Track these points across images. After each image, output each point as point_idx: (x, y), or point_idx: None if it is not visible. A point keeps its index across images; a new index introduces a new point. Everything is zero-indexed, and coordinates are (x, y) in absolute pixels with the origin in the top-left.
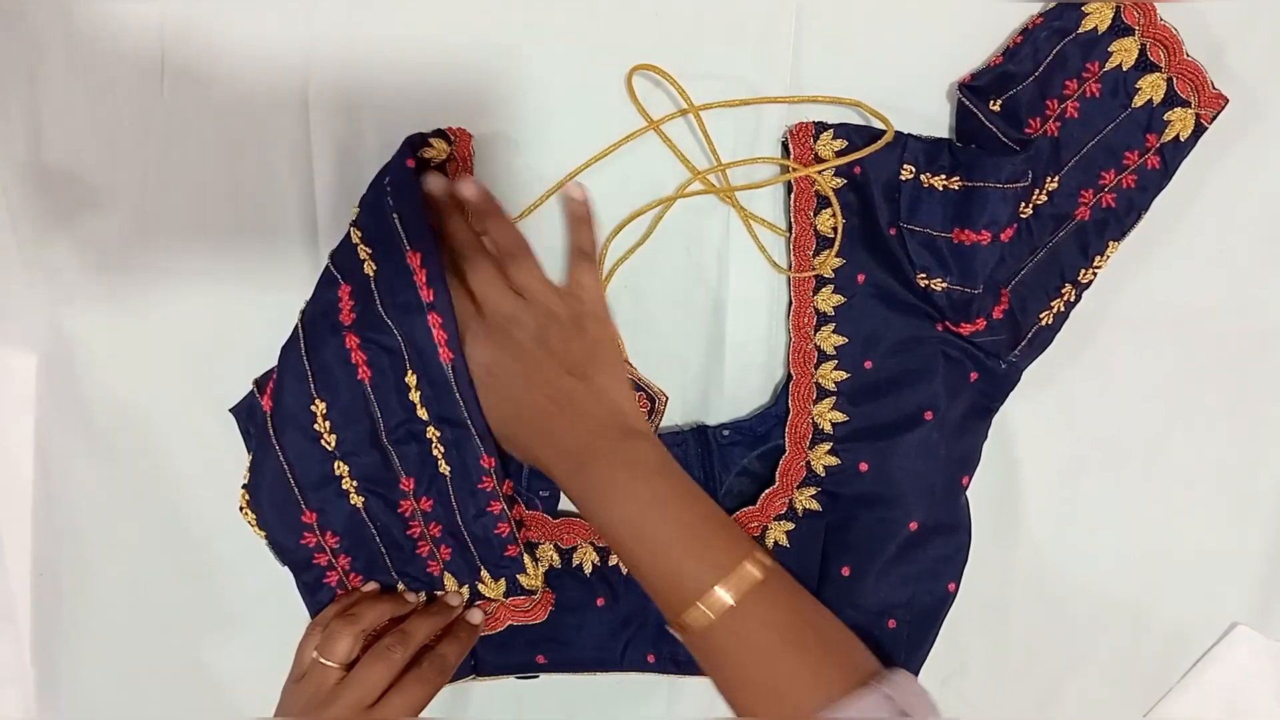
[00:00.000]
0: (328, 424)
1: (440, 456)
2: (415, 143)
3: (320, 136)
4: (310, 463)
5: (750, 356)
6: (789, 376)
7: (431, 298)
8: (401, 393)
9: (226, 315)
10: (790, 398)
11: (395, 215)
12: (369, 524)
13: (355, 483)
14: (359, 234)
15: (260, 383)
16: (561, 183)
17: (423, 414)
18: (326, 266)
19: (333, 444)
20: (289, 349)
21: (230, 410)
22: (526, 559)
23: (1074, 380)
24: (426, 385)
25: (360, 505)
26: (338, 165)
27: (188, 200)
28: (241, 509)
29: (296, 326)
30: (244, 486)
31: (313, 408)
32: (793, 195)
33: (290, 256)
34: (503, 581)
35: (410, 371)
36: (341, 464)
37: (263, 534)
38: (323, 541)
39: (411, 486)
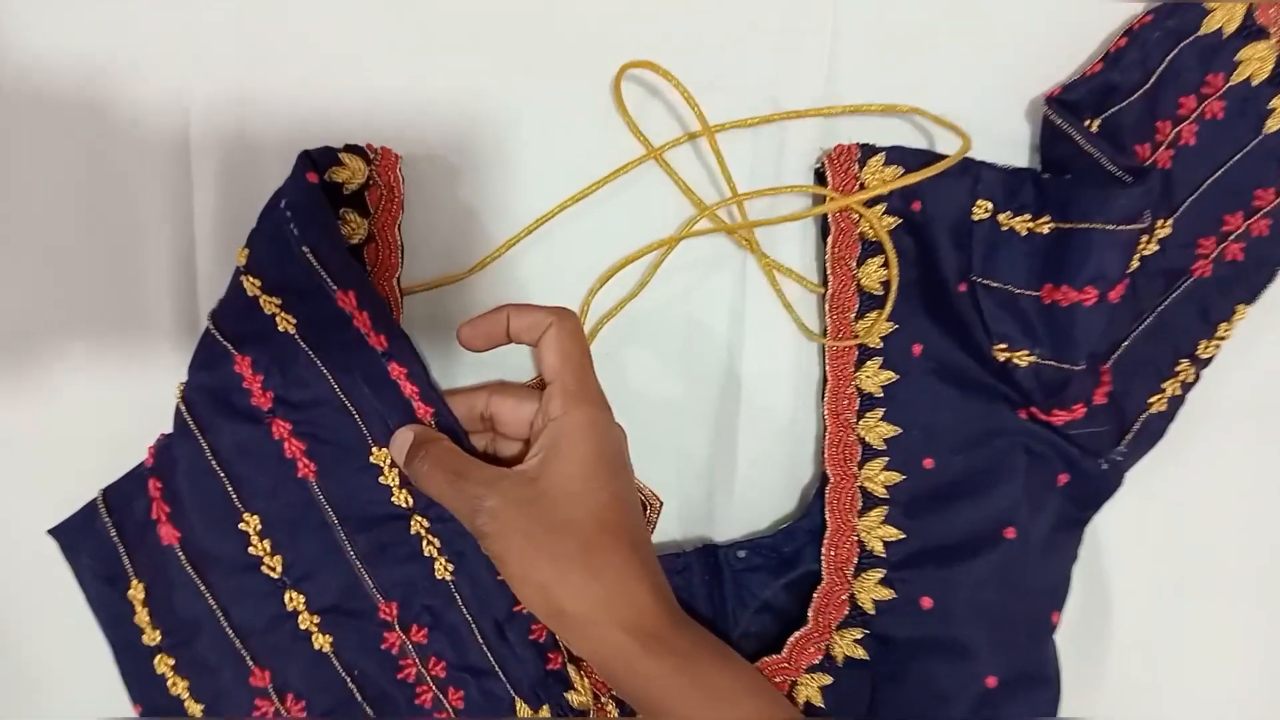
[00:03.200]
0: (267, 544)
1: (437, 554)
2: (320, 160)
3: (203, 176)
4: (251, 601)
5: (772, 451)
6: (824, 478)
7: (386, 344)
8: (366, 480)
9: (80, 402)
10: (826, 507)
11: (306, 249)
12: (344, 674)
13: (317, 618)
14: (256, 283)
15: (113, 494)
16: (532, 226)
17: (403, 500)
18: (207, 333)
19: (279, 569)
20: (180, 454)
21: (50, 532)
22: (571, 668)
23: (1175, 479)
24: None
25: (328, 648)
26: (223, 207)
27: (31, 258)
28: (169, 681)
29: (182, 421)
30: (162, 649)
31: (242, 526)
32: (831, 239)
33: (159, 320)
34: (545, 710)
35: (377, 447)
36: (295, 594)
37: (199, 708)
38: (283, 710)
39: (395, 612)
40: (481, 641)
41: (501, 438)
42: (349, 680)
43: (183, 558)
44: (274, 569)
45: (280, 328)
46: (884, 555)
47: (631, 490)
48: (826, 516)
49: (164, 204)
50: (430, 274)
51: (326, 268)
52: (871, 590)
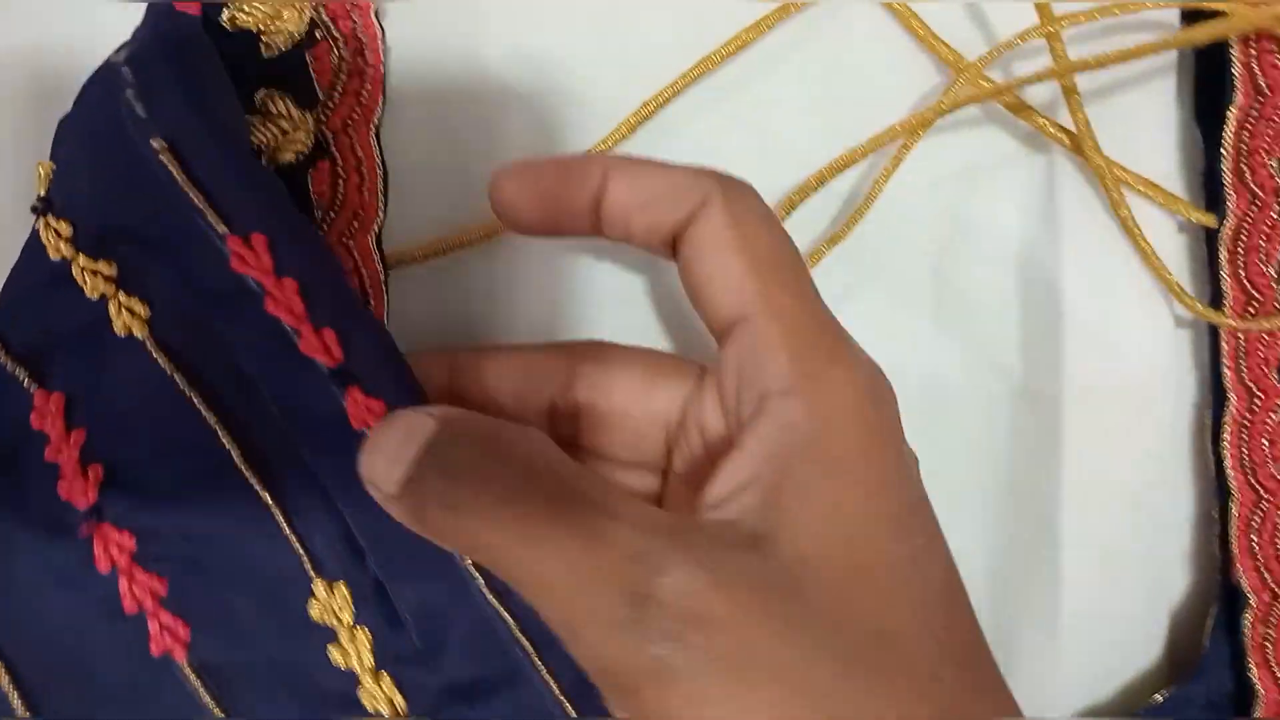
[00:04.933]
0: None
1: None
2: None
3: None
4: None
5: (1119, 541)
6: (1228, 594)
7: (341, 354)
8: (310, 657)
9: None
10: (1249, 653)
11: (159, 148)
12: None
13: None
14: (65, 231)
15: None
16: (635, 121)
17: (371, 688)
18: None
19: None
20: None
21: None
22: None
23: None
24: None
25: None
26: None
27: None
28: None
29: None
30: None
31: None
32: (1234, 113)
33: None
34: None
35: (321, 579)
36: None
37: None
38: None
39: None
40: None
41: (599, 461)
42: None
43: None
44: None
45: (118, 327)
46: None
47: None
48: (1250, 674)
49: None
50: (439, 225)
51: (207, 187)
52: None
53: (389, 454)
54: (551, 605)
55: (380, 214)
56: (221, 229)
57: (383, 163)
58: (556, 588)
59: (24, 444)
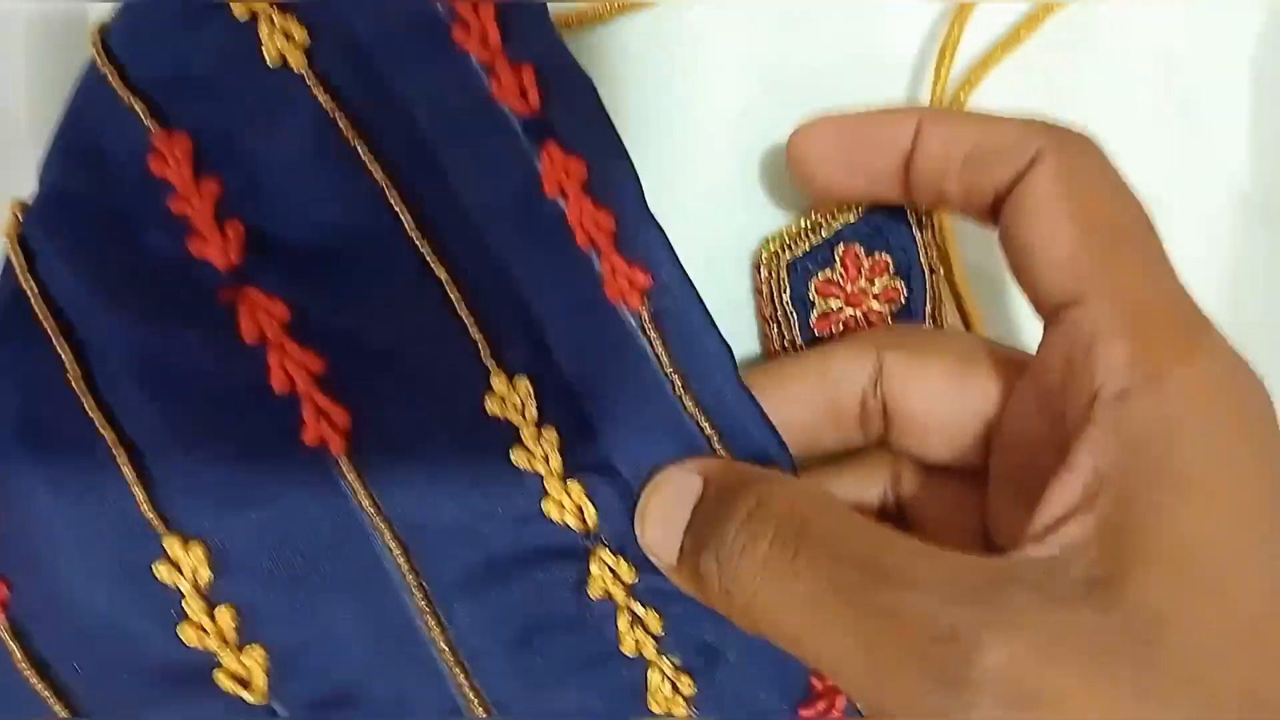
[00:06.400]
0: (226, 623)
1: (655, 653)
2: None
3: None
4: None
5: None
6: None
7: (539, 102)
8: (472, 455)
9: None
10: None
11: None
12: None
13: None
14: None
15: None
16: None
17: (558, 495)
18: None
19: (263, 691)
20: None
21: None
22: None
23: None
24: None
25: None
26: None
27: None
28: None
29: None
30: None
31: (164, 570)
32: None
33: None
34: None
35: (500, 370)
36: None
37: None
38: None
39: None
40: None
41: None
42: None
43: (16, 652)
44: (256, 690)
45: (269, 54)
46: None
47: None
48: None
49: None
50: None
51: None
52: None
53: (661, 521)
54: (852, 689)
55: None
56: None
57: None
58: (855, 674)
59: (141, 192)
